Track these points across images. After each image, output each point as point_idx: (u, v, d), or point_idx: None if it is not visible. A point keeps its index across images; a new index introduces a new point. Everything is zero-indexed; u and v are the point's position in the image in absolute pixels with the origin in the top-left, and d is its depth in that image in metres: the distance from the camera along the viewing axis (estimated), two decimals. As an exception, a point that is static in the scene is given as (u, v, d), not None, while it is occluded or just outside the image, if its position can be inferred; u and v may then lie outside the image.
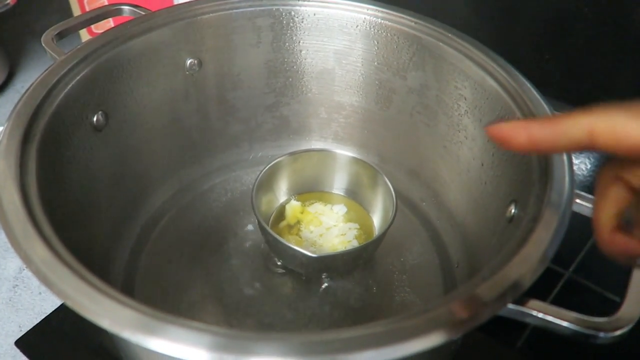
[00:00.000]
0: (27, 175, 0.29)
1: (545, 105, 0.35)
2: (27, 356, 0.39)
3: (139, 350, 0.30)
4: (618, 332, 0.24)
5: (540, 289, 0.25)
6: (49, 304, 0.43)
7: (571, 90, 0.60)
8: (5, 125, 0.31)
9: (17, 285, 0.45)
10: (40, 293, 0.44)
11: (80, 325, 0.41)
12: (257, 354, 0.21)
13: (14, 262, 0.46)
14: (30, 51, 0.71)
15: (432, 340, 0.22)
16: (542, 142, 0.22)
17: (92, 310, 0.22)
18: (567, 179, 0.30)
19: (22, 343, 0.40)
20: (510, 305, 0.24)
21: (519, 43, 0.60)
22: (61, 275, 0.24)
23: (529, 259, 0.26)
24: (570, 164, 0.31)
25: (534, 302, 0.25)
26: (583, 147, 0.22)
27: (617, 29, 0.54)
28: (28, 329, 0.41)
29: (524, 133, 0.22)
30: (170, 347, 0.21)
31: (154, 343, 0.21)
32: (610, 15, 0.53)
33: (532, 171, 0.32)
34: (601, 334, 0.24)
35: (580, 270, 0.46)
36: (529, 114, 0.35)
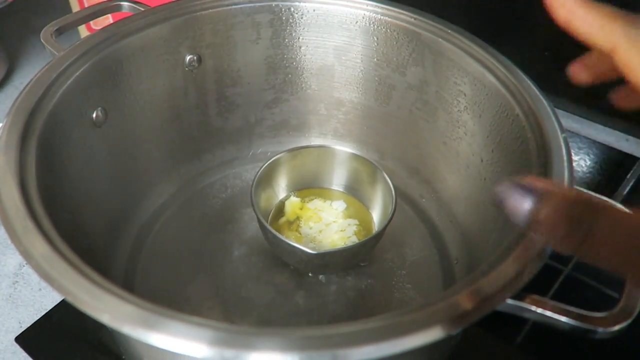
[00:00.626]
0: (27, 171, 0.29)
1: (544, 101, 0.35)
2: (27, 352, 0.39)
3: (138, 345, 0.30)
4: (616, 327, 0.25)
5: (540, 286, 0.25)
6: (49, 300, 0.43)
7: (571, 86, 0.60)
8: (5, 121, 0.31)
9: (17, 281, 0.45)
10: (40, 289, 0.44)
11: (80, 321, 0.41)
12: (257, 348, 0.21)
13: (14, 259, 0.46)
14: (29, 48, 0.71)
15: (431, 335, 0.22)
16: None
17: (92, 306, 0.22)
18: (566, 175, 0.30)
19: (22, 339, 0.40)
20: (509, 301, 0.24)
21: (519, 40, 0.60)
22: (61, 270, 0.24)
23: (528, 255, 0.26)
24: (570, 160, 0.31)
25: (532, 298, 0.25)
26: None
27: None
28: (28, 325, 0.41)
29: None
30: (170, 342, 0.21)
31: (154, 338, 0.22)
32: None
33: (532, 167, 0.32)
34: (600, 329, 0.25)
35: (579, 266, 0.46)
36: (528, 111, 0.35)
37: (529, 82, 0.37)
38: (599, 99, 0.60)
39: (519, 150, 0.35)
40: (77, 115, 0.36)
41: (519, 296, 0.25)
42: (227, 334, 0.22)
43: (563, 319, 0.25)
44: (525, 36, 0.60)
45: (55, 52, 0.38)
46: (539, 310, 0.25)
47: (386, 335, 0.22)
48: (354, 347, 0.22)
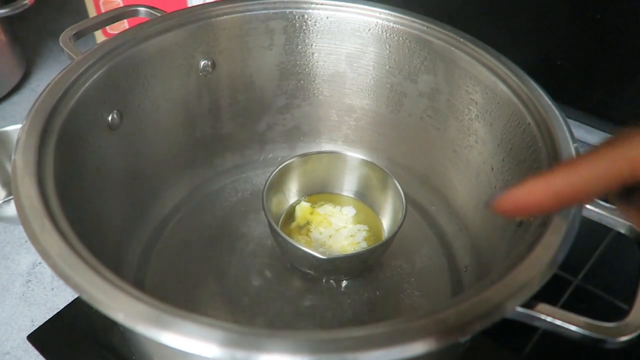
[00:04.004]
0: (45, 172, 0.29)
1: (556, 111, 0.35)
2: (39, 351, 0.40)
3: (149, 344, 0.31)
4: (627, 337, 0.24)
5: (549, 296, 0.25)
6: (61, 299, 0.44)
7: (583, 96, 0.60)
8: (24, 123, 0.32)
9: (30, 280, 0.45)
10: (52, 288, 0.45)
11: (91, 321, 0.41)
12: (267, 350, 0.21)
13: (28, 258, 0.47)
14: (46, 51, 0.72)
15: (439, 341, 0.22)
16: (574, 194, 0.19)
17: (107, 305, 0.23)
18: (577, 184, 0.30)
19: (34, 338, 0.41)
20: (519, 309, 0.24)
21: (531, 48, 0.60)
22: (77, 269, 0.24)
23: (538, 263, 0.26)
24: (581, 169, 0.31)
25: (542, 306, 0.25)
26: (620, 184, 0.19)
27: (630, 35, 0.53)
28: (40, 323, 0.42)
29: (547, 194, 0.20)
30: (182, 341, 0.22)
31: (166, 337, 0.22)
32: (624, 21, 0.53)
33: (542, 176, 0.32)
34: (610, 339, 0.24)
35: (589, 277, 0.46)
36: (540, 120, 0.35)
37: (540, 91, 0.37)
38: (611, 108, 0.60)
39: (530, 159, 0.35)
40: (94, 118, 0.37)
41: (528, 304, 0.25)
42: (239, 335, 0.22)
43: (573, 327, 0.25)
44: (537, 45, 0.59)
45: (74, 56, 0.38)
46: (549, 318, 0.25)
47: (395, 340, 0.22)
48: (363, 351, 0.22)
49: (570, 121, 0.35)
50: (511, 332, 0.42)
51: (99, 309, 0.23)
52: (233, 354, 0.21)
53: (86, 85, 0.36)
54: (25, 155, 0.30)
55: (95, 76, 0.37)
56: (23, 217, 0.26)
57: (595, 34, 0.55)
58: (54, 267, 0.24)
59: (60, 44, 0.40)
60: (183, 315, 0.22)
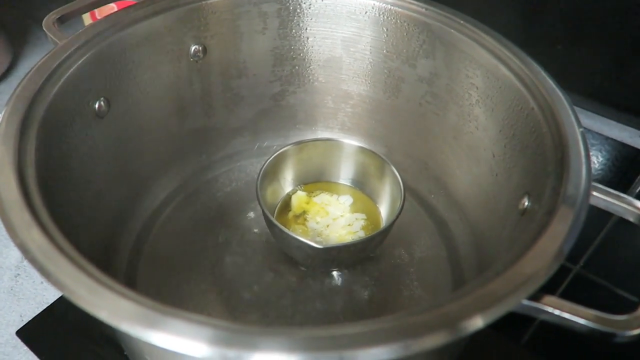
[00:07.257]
0: (26, 162, 0.28)
1: (561, 95, 0.34)
2: (28, 346, 0.39)
3: (139, 342, 0.30)
4: (637, 331, 0.23)
5: (547, 284, 0.24)
6: (51, 293, 0.43)
7: (585, 82, 0.59)
8: (4, 110, 0.30)
9: (19, 274, 0.44)
10: (42, 282, 0.44)
11: (82, 315, 0.39)
12: (260, 348, 0.20)
13: (16, 251, 0.46)
14: (33, 38, 0.71)
15: (442, 337, 0.21)
16: None
17: (90, 301, 0.22)
18: (583, 171, 0.29)
19: (23, 333, 0.40)
20: (525, 302, 0.23)
21: (533, 34, 0.58)
22: (59, 264, 0.23)
23: (544, 254, 0.25)
24: (588, 156, 0.30)
25: (549, 299, 0.24)
26: None
27: (633, 21, 0.52)
28: (29, 318, 0.41)
29: None
30: (169, 340, 0.21)
31: (153, 336, 0.21)
32: (626, 5, 0.52)
33: (547, 163, 0.31)
34: (619, 333, 0.24)
35: (589, 265, 0.45)
36: (544, 104, 0.34)
37: (544, 74, 0.35)
38: (613, 94, 0.59)
39: (534, 145, 0.34)
40: (79, 106, 0.36)
41: (534, 297, 0.24)
42: (229, 333, 0.21)
43: (581, 321, 0.24)
44: (539, 30, 0.58)
45: (57, 41, 0.37)
46: (557, 311, 0.24)
47: (395, 336, 0.21)
48: (361, 348, 0.21)
49: (573, 106, 0.34)
50: (510, 320, 0.41)
51: (81, 307, 0.22)
52: (224, 353, 0.20)
53: (70, 71, 0.34)
54: (5, 144, 0.28)
55: (79, 62, 0.35)
56: (1, 209, 0.25)
57: (597, 18, 0.54)
58: (32, 262, 0.23)
59: (44, 28, 0.39)
60: (170, 312, 0.21)
